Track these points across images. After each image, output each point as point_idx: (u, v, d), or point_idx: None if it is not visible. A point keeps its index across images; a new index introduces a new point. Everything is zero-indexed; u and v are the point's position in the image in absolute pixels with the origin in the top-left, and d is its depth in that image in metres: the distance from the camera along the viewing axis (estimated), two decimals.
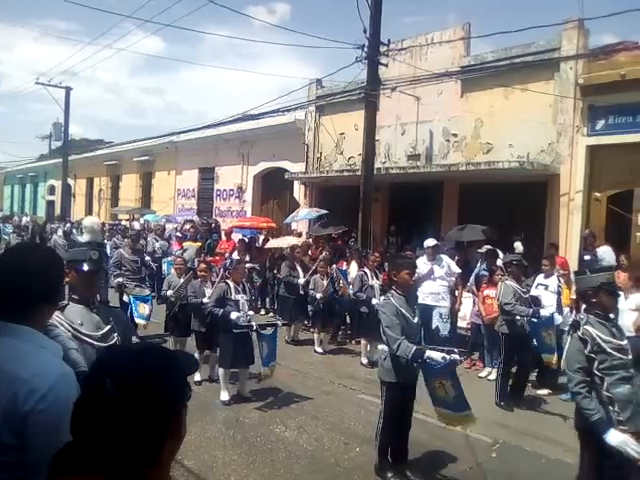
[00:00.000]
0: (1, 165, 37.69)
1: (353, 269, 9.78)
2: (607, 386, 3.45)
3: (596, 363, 3.47)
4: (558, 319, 6.82)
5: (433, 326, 8.37)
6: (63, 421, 1.42)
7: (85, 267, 2.89)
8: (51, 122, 29.31)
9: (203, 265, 7.67)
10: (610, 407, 3.43)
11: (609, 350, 3.48)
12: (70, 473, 1.18)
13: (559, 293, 7.39)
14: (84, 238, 3.07)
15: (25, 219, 25.39)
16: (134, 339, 3.30)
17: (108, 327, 2.90)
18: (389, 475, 4.60)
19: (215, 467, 4.78)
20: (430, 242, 9.13)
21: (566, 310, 7.19)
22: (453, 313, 8.80)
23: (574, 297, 7.79)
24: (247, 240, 13.12)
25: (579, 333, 3.54)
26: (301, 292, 9.48)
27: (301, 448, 5.29)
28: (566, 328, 6.92)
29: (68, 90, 25.62)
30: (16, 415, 1.45)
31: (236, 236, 14.14)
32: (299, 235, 13.86)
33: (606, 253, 8.64)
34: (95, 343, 2.80)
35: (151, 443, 1.12)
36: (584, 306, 3.93)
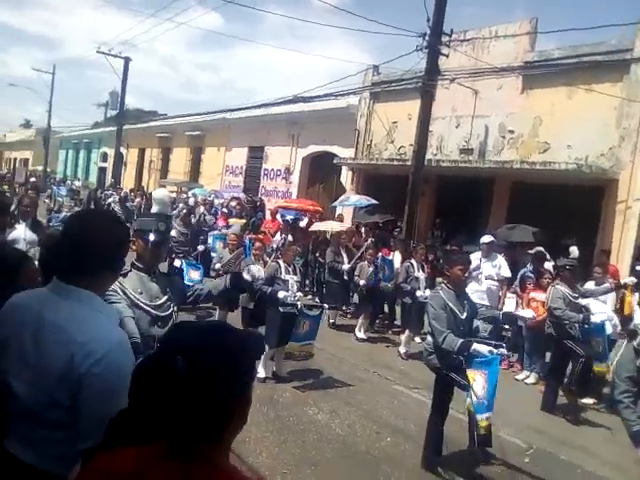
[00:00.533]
0: (57, 129, 38.75)
1: (396, 259, 9.74)
2: None
3: None
4: (609, 328, 6.62)
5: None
6: (116, 387, 1.46)
7: (152, 237, 2.94)
8: (108, 91, 30.04)
9: (259, 244, 7.67)
10: None
11: None
12: (130, 441, 1.21)
13: (622, 301, 7.13)
14: (153, 209, 3.15)
15: (77, 184, 26.17)
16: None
17: (165, 297, 2.97)
18: (440, 470, 4.58)
19: (247, 442, 4.84)
20: (486, 239, 8.98)
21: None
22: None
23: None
24: (290, 221, 13.18)
25: (634, 343, 3.45)
26: (345, 277, 9.49)
27: (333, 432, 5.31)
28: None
29: (127, 60, 26.10)
30: (71, 376, 1.49)
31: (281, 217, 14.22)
32: (341, 220, 13.83)
33: None
34: (152, 312, 2.88)
35: (216, 421, 1.12)
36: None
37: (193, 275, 8.46)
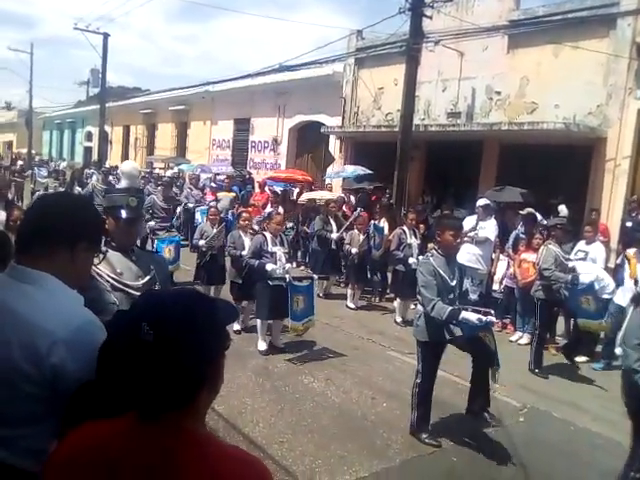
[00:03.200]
0: (40, 110, 38.04)
1: (377, 223, 9.65)
2: None
3: None
4: (600, 286, 6.65)
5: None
6: (92, 368, 1.41)
7: (123, 214, 2.75)
8: (88, 68, 29.36)
9: (246, 214, 7.59)
10: None
11: None
12: (97, 415, 1.19)
13: (623, 263, 7.09)
14: (122, 184, 2.88)
15: (63, 164, 25.80)
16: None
17: (149, 277, 2.77)
18: (424, 436, 4.59)
19: (244, 413, 4.88)
20: (482, 202, 8.96)
21: (630, 283, 6.83)
22: (488, 276, 8.67)
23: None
24: (279, 193, 13.11)
25: None
26: (333, 247, 9.45)
27: (328, 400, 5.35)
28: (610, 297, 6.81)
29: (106, 36, 25.43)
30: (42, 367, 1.42)
31: (269, 188, 14.14)
32: (330, 189, 13.76)
33: None
34: (135, 293, 2.67)
35: (185, 388, 1.10)
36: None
37: (168, 252, 8.08)
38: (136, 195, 2.88)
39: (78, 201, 1.80)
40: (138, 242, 3.03)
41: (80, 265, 1.65)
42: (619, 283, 7.01)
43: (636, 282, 6.39)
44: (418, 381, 4.63)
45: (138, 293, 2.68)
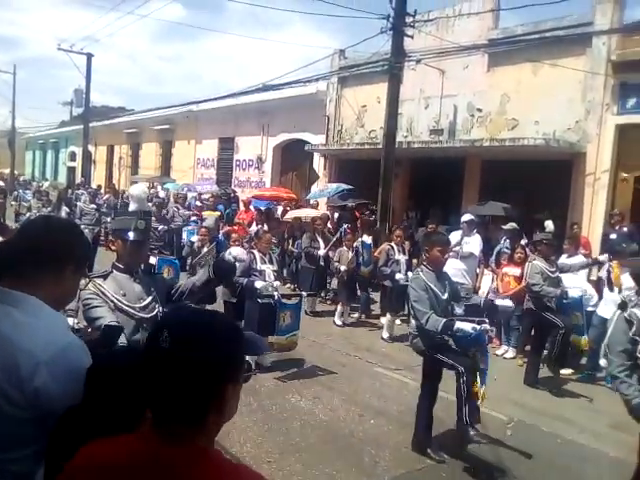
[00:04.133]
0: (23, 131, 37.89)
1: (365, 240, 9.68)
2: None
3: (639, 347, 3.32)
4: (588, 300, 6.73)
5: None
6: (76, 389, 1.41)
7: (131, 236, 2.82)
8: (72, 88, 29.33)
9: (235, 235, 7.61)
10: None
11: None
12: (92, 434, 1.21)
13: (609, 273, 7.18)
14: (131, 207, 2.92)
15: (46, 184, 25.61)
16: None
17: (150, 298, 2.85)
18: (429, 451, 4.59)
19: (231, 433, 4.83)
20: (466, 217, 9.07)
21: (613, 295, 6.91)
22: (473, 291, 8.73)
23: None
24: (264, 211, 13.12)
25: (625, 314, 3.38)
26: (321, 263, 9.47)
27: (316, 418, 5.33)
28: (593, 310, 6.88)
29: (89, 56, 25.51)
30: (25, 390, 1.41)
31: (254, 207, 14.15)
32: (316, 207, 13.82)
33: None
34: (136, 314, 2.76)
35: (196, 404, 1.12)
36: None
37: (168, 272, 8.30)
38: (144, 218, 2.95)
39: (67, 225, 1.82)
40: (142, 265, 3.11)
41: (66, 287, 1.67)
42: (601, 295, 7.11)
43: (619, 290, 6.49)
44: (421, 399, 4.68)
45: (140, 314, 2.78)
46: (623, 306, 3.47)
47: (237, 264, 6.92)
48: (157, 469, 1.09)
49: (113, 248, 2.92)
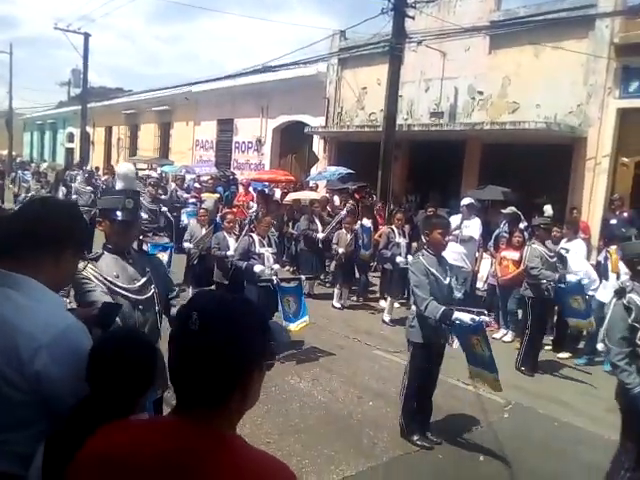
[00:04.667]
0: (20, 112, 37.55)
1: (365, 224, 9.69)
2: None
3: (639, 334, 3.30)
4: (590, 284, 6.74)
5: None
6: (77, 371, 1.42)
7: (119, 216, 2.70)
8: (70, 69, 29.06)
9: (231, 216, 7.59)
10: None
11: None
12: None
13: (606, 259, 7.18)
14: (118, 185, 2.81)
15: (44, 165, 25.50)
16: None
17: (145, 279, 2.76)
18: (415, 438, 4.58)
19: None
20: (466, 201, 9.06)
21: (613, 277, 6.88)
22: (472, 275, 8.76)
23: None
24: (260, 193, 13.10)
25: (624, 301, 3.35)
26: (320, 246, 9.48)
27: (315, 399, 5.37)
28: (593, 294, 6.90)
29: (87, 36, 25.22)
30: (26, 373, 1.41)
31: (254, 189, 14.12)
32: (315, 189, 13.79)
33: None
34: (131, 296, 2.67)
35: (220, 386, 1.13)
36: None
37: (161, 258, 8.17)
38: (132, 197, 2.83)
39: (66, 207, 1.79)
40: (135, 244, 3.03)
41: (64, 270, 1.66)
42: (600, 280, 7.13)
43: (618, 276, 6.49)
44: (405, 383, 4.64)
45: (135, 296, 2.70)
46: (621, 292, 3.44)
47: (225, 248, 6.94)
48: (176, 455, 1.09)
49: (100, 229, 2.79)
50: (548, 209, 8.49)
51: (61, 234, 1.62)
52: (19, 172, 20.65)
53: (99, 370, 1.45)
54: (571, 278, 6.55)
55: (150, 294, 2.75)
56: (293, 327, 6.38)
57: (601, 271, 7.25)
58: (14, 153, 34.51)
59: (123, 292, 2.66)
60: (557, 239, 7.50)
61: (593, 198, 10.57)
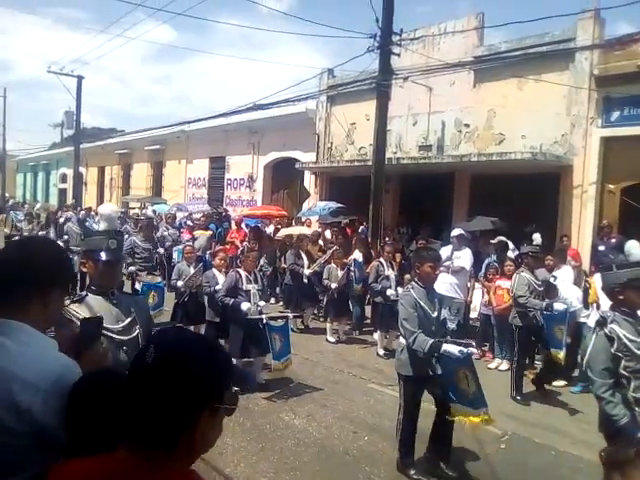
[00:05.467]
0: (13, 153, 37.84)
1: (357, 257, 9.73)
2: (634, 388, 3.26)
3: (622, 363, 3.28)
4: (580, 311, 6.77)
5: (441, 317, 8.37)
6: None
7: (103, 256, 2.70)
8: (62, 110, 29.39)
9: (223, 254, 7.58)
10: (637, 409, 3.23)
11: (635, 351, 3.28)
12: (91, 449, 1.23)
13: (586, 289, 7.26)
14: (101, 226, 2.81)
15: (37, 206, 25.58)
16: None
17: (129, 319, 2.74)
18: (412, 472, 4.52)
19: (225, 453, 4.82)
20: (456, 232, 9.14)
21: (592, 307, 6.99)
22: (465, 305, 8.77)
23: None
24: (252, 229, 13.15)
25: (606, 330, 3.33)
26: (305, 280, 9.48)
27: (310, 436, 5.32)
28: (584, 321, 6.92)
29: (80, 79, 25.67)
30: (25, 420, 1.40)
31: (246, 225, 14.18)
32: (309, 225, 13.87)
33: (634, 248, 8.50)
34: (116, 337, 2.65)
35: (172, 425, 1.13)
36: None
37: (152, 298, 8.03)
38: (115, 237, 2.84)
39: (51, 247, 1.79)
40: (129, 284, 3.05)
41: (52, 310, 1.66)
42: (589, 307, 7.18)
43: (598, 306, 6.52)
44: (400, 417, 4.59)
45: (119, 336, 2.68)
46: (602, 323, 3.41)
47: (214, 285, 6.91)
48: None
49: (84, 270, 2.80)
50: (537, 237, 8.56)
51: (48, 275, 1.62)
52: (12, 213, 20.69)
53: (75, 412, 1.44)
54: (558, 307, 6.57)
55: (135, 334, 2.73)
56: (279, 364, 6.35)
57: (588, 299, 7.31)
58: (7, 194, 34.62)
59: (107, 333, 2.61)
60: (551, 268, 7.56)
61: (582, 225, 10.70)
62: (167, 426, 1.13)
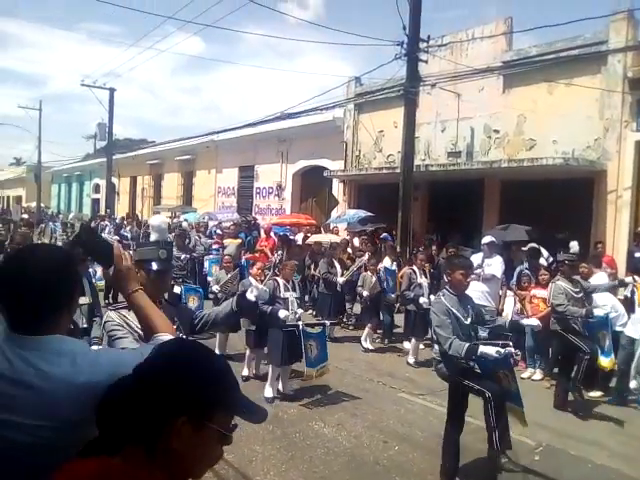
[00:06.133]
0: (48, 165, 38.79)
1: (386, 264, 9.68)
2: None
3: None
4: (617, 319, 6.60)
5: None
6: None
7: (154, 266, 2.83)
8: (95, 122, 30.06)
9: (260, 264, 7.63)
10: None
11: None
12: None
13: (633, 293, 7.08)
14: (152, 237, 2.93)
15: (70, 216, 26.19)
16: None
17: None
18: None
19: (254, 461, 4.82)
20: (487, 239, 9.04)
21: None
22: (496, 313, 8.63)
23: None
24: (281, 237, 13.22)
25: None
26: (338, 289, 9.48)
27: (340, 445, 5.28)
28: (621, 330, 6.75)
29: (112, 91, 26.25)
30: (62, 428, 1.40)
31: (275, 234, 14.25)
32: (337, 233, 13.88)
33: None
34: None
35: (148, 430, 1.16)
36: None
37: (192, 301, 8.40)
38: (165, 247, 2.96)
39: (69, 257, 1.72)
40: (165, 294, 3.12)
41: (63, 328, 1.62)
42: (628, 314, 6.98)
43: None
44: (448, 426, 4.53)
45: None
46: None
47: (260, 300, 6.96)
48: None
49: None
50: (574, 245, 8.34)
51: (73, 285, 1.63)
52: (50, 224, 21.19)
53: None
54: (598, 312, 6.43)
55: None
56: (313, 371, 6.37)
57: (628, 305, 7.11)
58: (42, 205, 35.50)
59: None
60: (586, 275, 7.38)
61: (617, 231, 10.46)
62: (143, 423, 1.15)
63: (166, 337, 1.75)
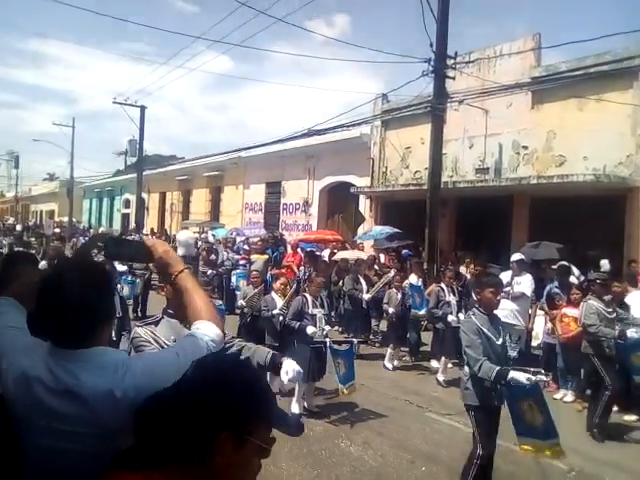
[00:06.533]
0: (80, 180, 39.67)
1: (412, 281, 9.57)
2: None
3: None
4: None
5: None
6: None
7: None
8: (126, 139, 30.70)
9: (284, 279, 7.67)
10: None
11: None
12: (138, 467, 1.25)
13: None
14: (178, 252, 2.92)
15: (100, 230, 26.68)
16: None
17: None
18: None
19: (280, 478, 4.80)
20: (516, 257, 8.92)
21: None
22: (526, 332, 8.47)
23: None
24: (307, 253, 13.23)
25: None
26: (364, 306, 9.43)
27: (366, 464, 5.23)
28: None
29: (143, 109, 26.76)
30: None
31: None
32: (362, 249, 13.85)
33: None
34: None
35: (189, 436, 1.16)
36: None
37: None
38: (191, 263, 2.96)
39: (105, 271, 1.79)
40: None
41: (112, 326, 1.76)
42: None
43: None
44: (479, 452, 4.29)
45: None
46: None
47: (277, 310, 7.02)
48: None
49: (162, 294, 2.91)
50: (605, 264, 8.16)
51: (111, 298, 1.70)
52: (80, 238, 21.63)
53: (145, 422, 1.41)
54: (632, 334, 6.25)
55: None
56: (343, 389, 6.33)
57: None
58: (74, 219, 36.27)
59: None
60: (618, 294, 7.18)
61: None
62: (186, 440, 1.16)
63: (206, 326, 1.77)
